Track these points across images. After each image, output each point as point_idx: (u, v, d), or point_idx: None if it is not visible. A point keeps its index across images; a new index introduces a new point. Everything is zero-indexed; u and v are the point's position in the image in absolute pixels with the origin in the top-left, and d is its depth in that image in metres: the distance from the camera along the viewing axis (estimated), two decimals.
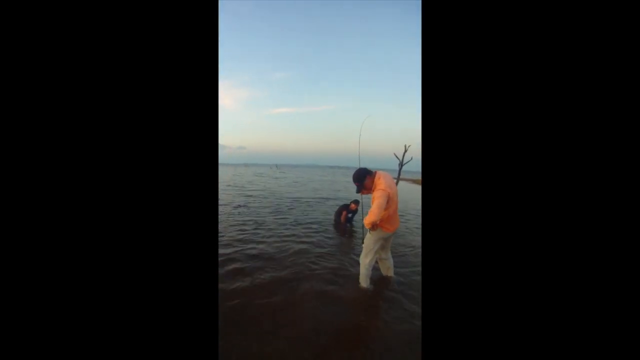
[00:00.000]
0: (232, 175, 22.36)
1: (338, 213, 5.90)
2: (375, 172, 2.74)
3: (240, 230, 4.83)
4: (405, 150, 11.70)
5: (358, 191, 2.83)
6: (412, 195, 11.30)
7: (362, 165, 2.88)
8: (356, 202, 5.84)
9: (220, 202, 7.65)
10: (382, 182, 2.63)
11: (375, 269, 3.12)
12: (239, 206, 7.26)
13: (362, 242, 3.07)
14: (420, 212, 7.87)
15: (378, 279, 3.07)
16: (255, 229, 4.98)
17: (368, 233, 2.80)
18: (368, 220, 2.50)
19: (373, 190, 2.68)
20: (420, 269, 3.49)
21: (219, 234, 4.44)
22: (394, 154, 12.19)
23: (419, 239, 4.87)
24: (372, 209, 2.49)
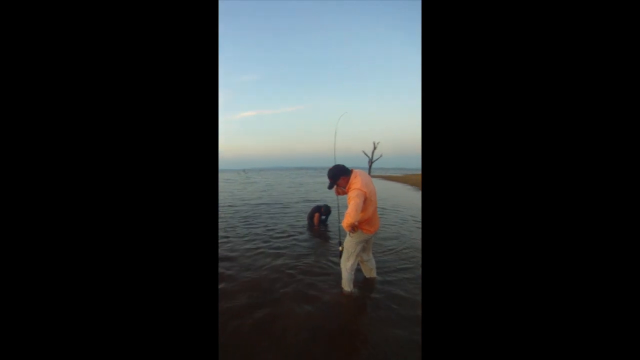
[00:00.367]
0: None
1: (310, 216, 5.78)
2: (352, 171, 2.64)
3: None
4: (375, 148, 11.82)
5: (330, 187, 2.72)
6: (388, 192, 11.49)
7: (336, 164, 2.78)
8: (327, 208, 5.79)
9: None
10: (357, 182, 2.53)
11: (357, 270, 3.04)
12: None
13: (340, 245, 2.98)
14: (395, 207, 8.01)
15: (361, 281, 3.00)
16: (226, 236, 4.76)
17: (348, 236, 2.71)
18: (345, 222, 2.39)
19: (348, 190, 2.58)
20: (402, 267, 3.49)
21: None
22: (363, 152, 12.31)
23: (400, 237, 4.90)
24: (349, 211, 2.39)
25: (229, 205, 8.46)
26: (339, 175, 2.63)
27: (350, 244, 2.68)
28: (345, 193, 2.68)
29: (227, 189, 14.45)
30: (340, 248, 3.02)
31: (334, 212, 6.03)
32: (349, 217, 2.36)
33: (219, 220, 6.39)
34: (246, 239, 4.61)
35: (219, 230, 5.17)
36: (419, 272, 3.36)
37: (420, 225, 6.11)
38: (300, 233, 5.05)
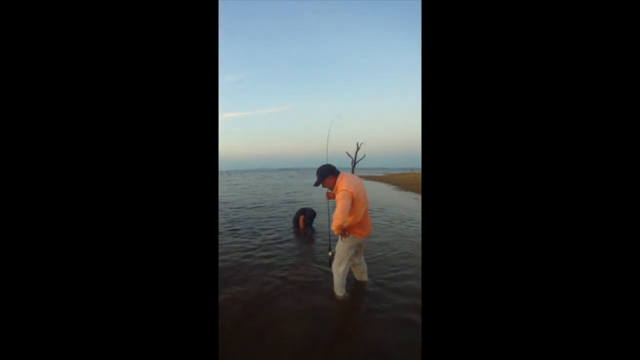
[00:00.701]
0: None
1: (295, 219, 5.71)
2: (339, 172, 2.62)
3: None
4: (358, 148, 11.87)
5: (316, 184, 2.68)
6: (374, 194, 11.51)
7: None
8: (311, 211, 5.75)
9: None
10: (343, 183, 2.51)
11: (349, 273, 3.01)
12: None
13: (329, 251, 2.95)
14: (382, 208, 8.05)
15: (353, 285, 2.98)
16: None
17: (340, 240, 2.67)
18: (334, 225, 2.36)
19: (335, 192, 2.56)
20: (393, 269, 3.49)
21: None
22: (346, 152, 12.33)
23: (391, 237, 4.92)
24: (336, 213, 2.35)
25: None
26: (326, 173, 2.60)
27: (342, 248, 2.64)
28: (333, 197, 2.66)
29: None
30: (330, 254, 2.98)
31: (323, 217, 5.96)
32: (336, 219, 2.32)
33: None
34: (233, 244, 4.50)
35: None
36: (411, 273, 3.38)
37: (408, 224, 6.18)
38: (287, 237, 4.97)
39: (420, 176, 24.07)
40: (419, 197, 11.87)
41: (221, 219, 6.60)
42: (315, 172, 2.68)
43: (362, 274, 3.05)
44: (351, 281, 3.02)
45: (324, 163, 2.73)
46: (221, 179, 32.31)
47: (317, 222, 5.88)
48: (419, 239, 5.09)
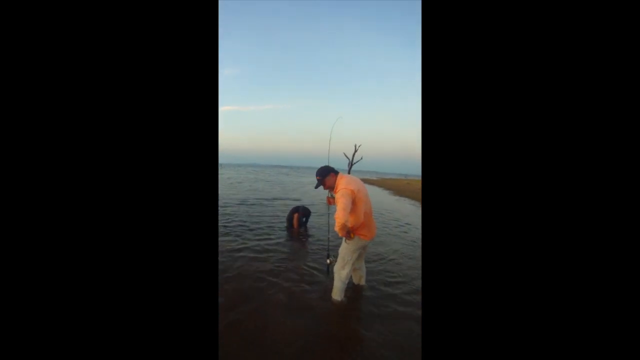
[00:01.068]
0: None
1: (289, 218, 5.46)
2: (339, 173, 2.52)
3: None
4: (356, 150, 11.81)
5: (317, 186, 2.59)
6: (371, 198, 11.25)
7: (321, 166, 2.64)
8: (305, 209, 5.56)
9: None
10: (342, 182, 2.42)
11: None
12: None
13: (328, 258, 2.84)
14: (382, 213, 7.93)
15: (350, 289, 2.86)
16: None
17: (344, 242, 2.56)
18: (337, 225, 2.24)
19: (335, 192, 2.45)
20: (391, 273, 3.41)
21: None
22: (344, 154, 12.25)
23: (386, 241, 4.83)
24: (336, 213, 2.24)
25: None
26: (328, 171, 2.50)
27: (346, 251, 2.53)
28: (334, 201, 2.54)
29: None
30: (328, 261, 2.87)
31: (321, 219, 5.77)
32: (338, 218, 2.21)
33: None
34: (225, 240, 4.33)
35: None
36: (409, 277, 3.30)
37: (404, 229, 6.14)
38: (279, 236, 4.80)
39: (413, 183, 24.17)
40: (415, 203, 11.87)
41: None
42: (315, 173, 2.57)
43: (360, 278, 2.94)
44: (348, 285, 2.91)
45: (324, 164, 2.64)
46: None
47: (313, 225, 5.71)
48: (418, 243, 5.04)
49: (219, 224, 5.44)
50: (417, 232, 6.00)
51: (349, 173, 13.48)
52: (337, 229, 2.27)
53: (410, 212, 9.47)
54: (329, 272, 2.95)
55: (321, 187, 2.60)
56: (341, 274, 2.56)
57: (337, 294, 2.59)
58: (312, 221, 5.77)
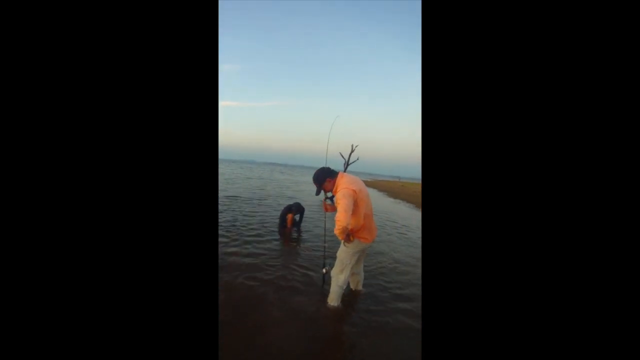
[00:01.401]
0: None
1: (282, 216, 5.15)
2: (338, 173, 2.35)
3: None
4: (352, 150, 11.63)
5: (317, 193, 2.42)
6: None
7: (319, 166, 2.47)
8: (298, 205, 5.28)
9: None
10: (343, 181, 2.24)
11: None
12: None
13: (323, 267, 2.69)
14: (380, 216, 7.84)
15: (347, 294, 2.68)
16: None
17: (342, 245, 2.40)
18: (337, 228, 2.07)
19: (335, 192, 2.29)
20: (388, 278, 3.27)
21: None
22: (340, 154, 12.06)
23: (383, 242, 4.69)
24: (338, 214, 2.07)
25: None
26: (324, 176, 2.32)
27: (345, 254, 2.36)
28: (334, 209, 2.37)
29: None
30: (323, 270, 2.71)
31: (317, 226, 5.48)
32: (339, 221, 2.04)
33: None
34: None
35: None
36: (408, 283, 3.17)
37: (401, 231, 6.04)
38: (272, 237, 4.56)
39: (407, 185, 24.18)
40: (411, 205, 11.80)
41: None
42: (312, 178, 2.40)
43: (358, 283, 2.79)
44: (345, 290, 2.76)
45: (321, 165, 2.46)
46: None
47: (307, 226, 5.53)
48: (417, 245, 4.92)
49: None
50: (414, 235, 5.90)
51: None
52: (337, 232, 2.10)
53: (408, 214, 9.40)
54: (324, 282, 2.78)
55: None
56: (339, 278, 2.39)
57: (334, 299, 2.43)
58: (307, 225, 5.50)
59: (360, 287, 2.80)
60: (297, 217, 5.25)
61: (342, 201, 2.10)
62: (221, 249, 3.62)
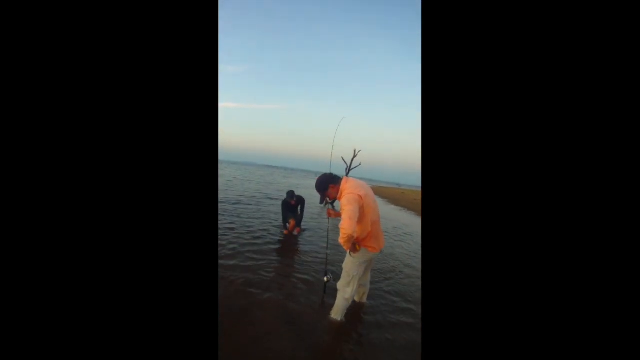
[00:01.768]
0: None
1: (285, 204, 4.94)
2: (342, 178, 2.18)
3: None
4: (355, 155, 11.50)
5: (322, 202, 2.25)
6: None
7: (326, 172, 2.30)
8: (291, 194, 4.92)
9: None
10: (349, 186, 2.07)
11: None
12: None
13: (325, 276, 2.53)
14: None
15: (350, 306, 2.51)
16: None
17: (348, 256, 2.23)
18: (342, 237, 1.89)
19: (339, 198, 2.13)
20: (391, 288, 3.09)
21: None
22: (342, 158, 11.93)
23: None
24: (342, 222, 1.89)
25: None
26: (327, 183, 2.14)
27: (351, 265, 2.18)
28: (338, 214, 2.19)
29: None
30: (325, 279, 2.54)
31: (318, 234, 5.22)
32: (344, 229, 1.86)
33: None
34: None
35: None
36: (416, 298, 3.00)
37: (404, 239, 5.89)
38: (271, 242, 4.40)
39: (407, 193, 24.04)
40: (412, 213, 11.64)
41: None
42: (315, 187, 2.23)
43: (363, 295, 2.62)
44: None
45: (325, 169, 2.31)
46: None
47: (308, 226, 5.37)
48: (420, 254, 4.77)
49: None
50: (418, 243, 5.74)
51: None
52: (341, 241, 1.91)
53: (410, 221, 9.24)
54: (325, 291, 2.62)
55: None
56: (346, 291, 2.21)
57: (338, 313, 2.25)
58: (307, 238, 5.30)
59: (365, 300, 2.64)
60: (298, 208, 5.04)
61: (347, 207, 1.93)
62: (219, 255, 3.44)
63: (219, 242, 3.85)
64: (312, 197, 4.88)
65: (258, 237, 4.39)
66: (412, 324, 2.45)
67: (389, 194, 21.80)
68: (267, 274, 3.04)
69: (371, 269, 2.61)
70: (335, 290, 2.33)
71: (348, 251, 2.19)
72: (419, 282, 3.52)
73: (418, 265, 4.24)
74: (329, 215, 2.45)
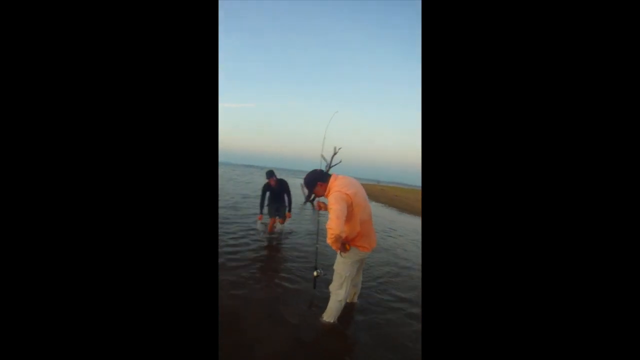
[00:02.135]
0: None
1: (264, 192, 4.39)
2: (332, 175, 2.11)
3: None
4: (335, 153, 11.46)
5: (307, 199, 2.21)
6: None
7: (308, 169, 2.24)
8: (271, 174, 4.33)
9: None
10: (336, 184, 2.00)
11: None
12: None
13: (315, 270, 2.45)
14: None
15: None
16: None
17: (339, 256, 2.16)
18: (329, 237, 1.82)
19: (327, 196, 2.06)
20: (380, 290, 3.06)
21: None
22: (322, 155, 11.86)
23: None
24: (329, 223, 1.82)
25: None
26: (315, 180, 2.07)
27: (343, 266, 2.11)
28: (326, 208, 2.11)
29: None
30: (315, 273, 2.47)
31: (305, 231, 5.12)
32: (331, 229, 1.79)
33: None
34: None
35: None
36: (400, 289, 3.00)
37: (388, 234, 5.92)
38: (255, 239, 4.27)
39: (386, 189, 24.40)
40: (392, 209, 11.78)
41: None
42: (304, 182, 2.15)
43: (354, 295, 2.56)
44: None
45: (309, 168, 2.22)
46: None
47: (292, 238, 5.24)
48: (409, 251, 4.81)
49: None
50: (403, 240, 5.79)
51: None
52: (329, 241, 1.84)
53: (393, 217, 9.36)
54: (315, 286, 2.55)
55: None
56: (339, 294, 2.13)
57: (331, 315, 2.17)
58: (288, 228, 5.20)
59: (355, 300, 2.58)
60: (285, 198, 4.54)
61: (334, 206, 1.86)
62: None
63: None
64: (294, 196, 4.75)
65: (240, 238, 4.23)
66: (405, 323, 2.43)
67: (368, 190, 22.05)
68: (251, 275, 2.92)
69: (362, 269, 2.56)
70: (326, 284, 2.27)
71: (338, 252, 2.11)
72: (410, 279, 3.53)
73: (408, 262, 4.26)
74: (318, 207, 2.37)
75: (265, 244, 4.20)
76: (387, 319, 2.46)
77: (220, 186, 11.49)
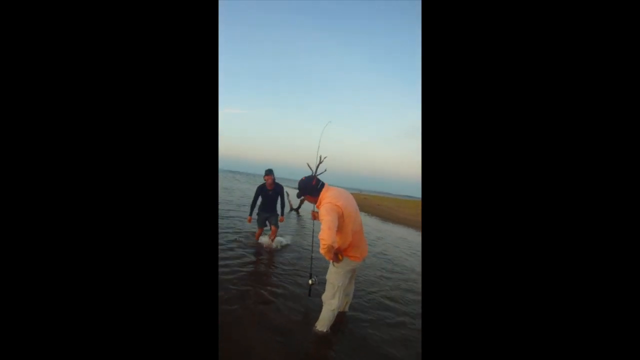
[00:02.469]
0: None
1: (257, 195, 4.17)
2: (324, 185, 2.17)
3: None
4: (320, 162, 11.52)
5: (299, 195, 2.27)
6: None
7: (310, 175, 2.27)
8: (269, 172, 4.06)
9: None
10: (328, 196, 2.06)
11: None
12: None
13: (310, 278, 2.48)
14: None
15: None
16: None
17: (331, 266, 2.20)
18: (322, 248, 1.87)
19: (318, 206, 2.12)
20: (369, 300, 3.12)
21: None
22: (307, 164, 11.91)
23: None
24: (321, 233, 1.87)
25: None
26: (308, 188, 2.14)
27: (335, 276, 2.15)
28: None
29: None
30: (310, 281, 2.50)
31: (301, 239, 5.16)
32: (324, 239, 1.84)
33: None
34: None
35: None
36: (392, 296, 3.05)
37: (371, 242, 5.98)
38: (247, 247, 4.24)
39: (369, 198, 24.68)
40: (374, 218, 11.92)
41: None
42: (298, 186, 2.21)
43: (345, 305, 2.59)
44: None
45: (309, 175, 2.23)
46: None
47: (286, 227, 5.21)
48: (400, 258, 4.88)
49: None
50: (390, 247, 5.88)
51: None
52: (322, 251, 1.89)
53: (378, 226, 9.47)
54: (310, 294, 2.58)
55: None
56: (331, 303, 2.16)
57: (324, 325, 2.19)
58: (303, 247, 5.20)
59: (347, 309, 2.62)
60: (278, 201, 4.29)
61: (326, 218, 1.92)
62: None
63: None
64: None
65: (228, 249, 4.18)
66: (399, 332, 2.48)
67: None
68: (242, 286, 2.90)
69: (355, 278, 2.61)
70: (320, 293, 2.30)
71: (331, 262, 2.16)
72: (403, 285, 3.60)
73: (399, 268, 4.33)
74: (314, 217, 2.41)
75: (253, 251, 4.16)
76: (377, 326, 2.51)
77: None
